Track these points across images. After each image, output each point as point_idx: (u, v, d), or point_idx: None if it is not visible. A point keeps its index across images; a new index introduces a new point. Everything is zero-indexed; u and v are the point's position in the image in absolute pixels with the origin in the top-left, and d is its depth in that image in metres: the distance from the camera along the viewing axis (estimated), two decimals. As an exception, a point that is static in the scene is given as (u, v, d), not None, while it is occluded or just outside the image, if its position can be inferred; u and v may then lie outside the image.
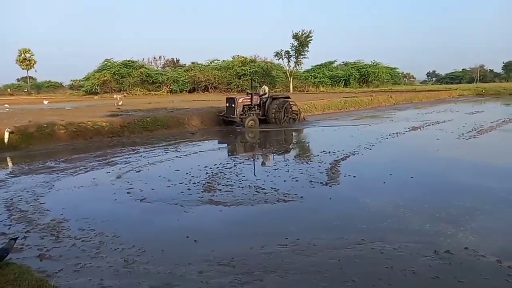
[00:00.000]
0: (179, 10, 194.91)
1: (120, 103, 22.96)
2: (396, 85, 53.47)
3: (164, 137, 13.16)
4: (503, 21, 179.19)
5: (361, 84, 52.27)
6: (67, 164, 8.82)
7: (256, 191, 6.24)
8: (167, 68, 57.74)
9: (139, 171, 8.01)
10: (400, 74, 63.54)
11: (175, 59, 63.73)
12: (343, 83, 51.57)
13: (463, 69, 76.87)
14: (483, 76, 70.39)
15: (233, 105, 15.18)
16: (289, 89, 45.37)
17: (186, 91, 46.01)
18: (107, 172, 7.96)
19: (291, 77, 46.72)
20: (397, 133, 12.61)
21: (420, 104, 27.42)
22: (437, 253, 3.98)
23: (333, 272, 3.66)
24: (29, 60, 56.53)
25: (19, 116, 15.42)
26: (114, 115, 15.77)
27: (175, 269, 3.74)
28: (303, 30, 44.43)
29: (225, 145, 12.69)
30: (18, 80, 69.37)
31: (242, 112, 15.31)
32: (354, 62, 55.65)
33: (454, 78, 74.15)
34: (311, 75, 51.36)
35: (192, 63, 54.03)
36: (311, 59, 65.93)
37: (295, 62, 46.34)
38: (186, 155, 9.89)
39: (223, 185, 6.67)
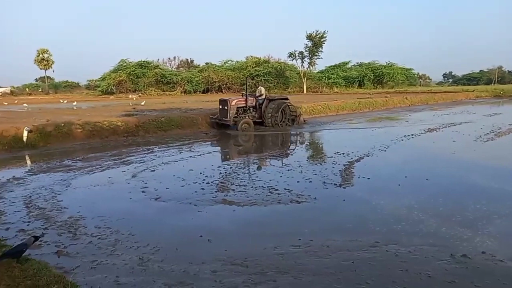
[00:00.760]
0: (198, 11, 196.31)
1: (142, 103, 23.20)
2: (412, 86, 52.90)
3: (178, 137, 13.28)
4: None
5: (375, 85, 51.77)
6: (83, 162, 8.98)
7: (270, 192, 6.25)
8: (182, 68, 58.20)
9: (154, 170, 8.10)
10: (415, 75, 62.76)
11: (189, 60, 64.34)
12: (357, 84, 51.22)
13: (480, 70, 75.56)
14: (501, 78, 69.03)
15: (226, 108, 14.29)
16: (303, 90, 45.30)
17: (200, 91, 46.30)
18: (122, 171, 8.08)
19: (305, 78, 46.60)
20: (412, 134, 12.45)
21: (436, 105, 27.02)
22: (453, 257, 3.91)
23: (347, 274, 3.63)
24: (47, 60, 57.87)
25: (37, 115, 15.79)
26: (130, 114, 15.99)
27: (189, 268, 3.78)
28: (317, 31, 44.39)
29: (239, 147, 12.69)
30: (36, 80, 71.14)
31: (236, 115, 14.44)
32: (369, 62, 55.22)
33: (471, 80, 72.90)
34: (325, 76, 51.17)
35: (206, 63, 54.36)
36: (325, 59, 65.99)
37: (308, 62, 46.24)
38: (200, 155, 9.97)
39: (236, 185, 6.70)
